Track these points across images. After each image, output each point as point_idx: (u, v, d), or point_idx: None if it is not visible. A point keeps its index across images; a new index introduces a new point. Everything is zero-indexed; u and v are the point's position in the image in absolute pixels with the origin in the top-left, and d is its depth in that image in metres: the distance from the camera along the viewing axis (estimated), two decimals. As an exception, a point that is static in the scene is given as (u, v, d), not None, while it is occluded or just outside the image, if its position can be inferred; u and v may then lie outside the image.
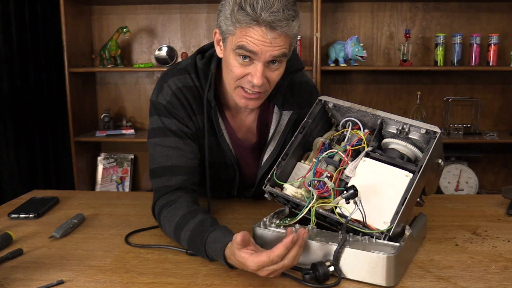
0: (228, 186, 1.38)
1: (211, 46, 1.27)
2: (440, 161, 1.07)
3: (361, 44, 2.91)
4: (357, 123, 1.13)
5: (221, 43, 1.17)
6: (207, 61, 1.25)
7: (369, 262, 0.89)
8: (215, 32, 1.18)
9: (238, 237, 0.88)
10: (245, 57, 1.10)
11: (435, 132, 1.03)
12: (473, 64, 2.99)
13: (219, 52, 1.20)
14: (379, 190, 1.00)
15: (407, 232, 0.98)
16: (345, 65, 2.98)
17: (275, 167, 1.10)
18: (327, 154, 1.08)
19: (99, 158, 3.30)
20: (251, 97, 1.16)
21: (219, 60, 1.23)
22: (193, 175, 1.22)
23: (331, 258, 0.92)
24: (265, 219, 1.07)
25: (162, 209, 1.15)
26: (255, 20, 1.05)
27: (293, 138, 1.13)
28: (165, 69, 1.32)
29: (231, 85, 1.17)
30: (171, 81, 1.25)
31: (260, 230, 1.02)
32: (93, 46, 3.29)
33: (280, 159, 1.11)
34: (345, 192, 0.96)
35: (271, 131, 1.29)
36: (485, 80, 3.18)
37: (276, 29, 1.06)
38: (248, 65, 1.11)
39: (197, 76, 1.25)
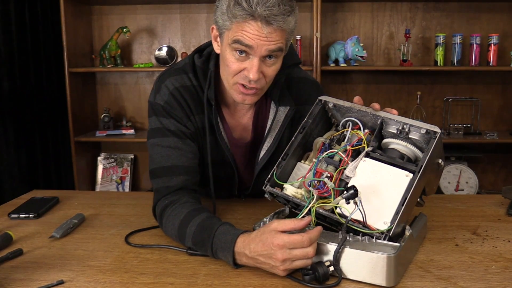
0: (229, 185, 1.38)
1: (208, 45, 1.28)
2: (440, 161, 1.07)
3: (361, 44, 2.91)
4: (357, 123, 1.13)
5: (218, 39, 1.18)
6: (205, 60, 1.25)
7: (369, 262, 0.89)
8: (212, 28, 1.19)
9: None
10: (241, 52, 1.11)
11: (435, 132, 1.03)
12: (473, 64, 2.99)
13: (216, 48, 1.20)
14: (379, 190, 1.00)
15: (407, 232, 0.98)
16: (345, 65, 2.98)
17: (275, 167, 1.10)
18: (327, 154, 1.08)
19: (99, 158, 3.30)
20: (248, 93, 1.17)
21: (217, 58, 1.23)
22: (194, 175, 1.22)
23: (331, 258, 0.92)
24: (265, 219, 1.07)
25: (165, 209, 1.15)
26: (250, 14, 1.06)
27: (293, 138, 1.13)
28: (165, 69, 1.32)
29: (229, 81, 1.17)
30: (169, 81, 1.25)
31: (260, 230, 1.01)
32: (93, 46, 3.29)
33: (280, 159, 1.11)
34: (345, 192, 0.96)
35: (267, 127, 1.29)
36: (485, 80, 3.18)
37: (272, 23, 1.07)
38: (244, 60, 1.12)
39: (195, 76, 1.25)
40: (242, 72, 1.13)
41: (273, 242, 0.90)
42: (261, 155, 1.30)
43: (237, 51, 1.11)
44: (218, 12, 1.13)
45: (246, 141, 1.33)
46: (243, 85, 1.15)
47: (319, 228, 0.94)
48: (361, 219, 0.96)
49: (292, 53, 1.28)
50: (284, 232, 0.93)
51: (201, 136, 1.26)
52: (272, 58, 1.13)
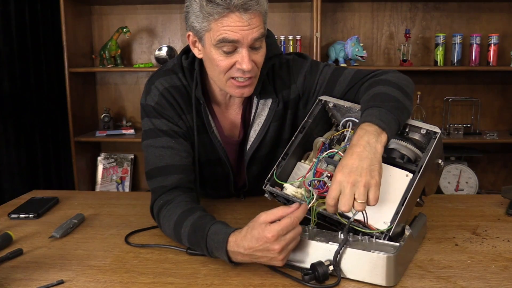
0: (225, 183, 1.38)
1: None
2: (440, 161, 1.07)
3: (361, 44, 2.91)
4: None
5: (197, 44, 1.18)
6: (191, 60, 1.25)
7: (369, 262, 0.89)
8: (188, 35, 1.18)
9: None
10: (228, 49, 1.10)
11: (435, 132, 1.03)
12: (473, 64, 2.99)
13: (197, 53, 1.20)
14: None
15: (407, 232, 0.98)
16: (345, 65, 2.98)
17: (275, 166, 1.10)
18: (327, 154, 1.08)
19: (99, 158, 3.30)
20: (245, 84, 1.16)
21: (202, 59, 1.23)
22: (188, 174, 1.22)
23: (331, 258, 0.92)
24: (265, 219, 1.07)
25: (161, 209, 1.15)
26: (226, 8, 1.06)
27: (293, 138, 1.13)
28: (155, 71, 1.32)
29: (221, 79, 1.17)
30: (158, 82, 1.26)
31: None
32: (93, 46, 3.29)
33: (280, 158, 1.11)
34: (345, 192, 0.96)
35: (250, 121, 1.29)
36: (485, 80, 3.18)
37: (249, 9, 1.07)
38: (232, 55, 1.12)
39: (184, 75, 1.26)
40: (234, 67, 1.13)
41: (266, 236, 0.90)
42: (246, 150, 1.30)
43: (224, 49, 1.10)
44: (191, 16, 1.12)
45: (236, 139, 1.33)
46: (235, 79, 1.15)
47: (304, 205, 0.95)
48: (361, 219, 0.96)
49: (273, 44, 1.27)
50: (273, 222, 0.92)
51: (194, 135, 1.26)
52: (258, 48, 1.13)
